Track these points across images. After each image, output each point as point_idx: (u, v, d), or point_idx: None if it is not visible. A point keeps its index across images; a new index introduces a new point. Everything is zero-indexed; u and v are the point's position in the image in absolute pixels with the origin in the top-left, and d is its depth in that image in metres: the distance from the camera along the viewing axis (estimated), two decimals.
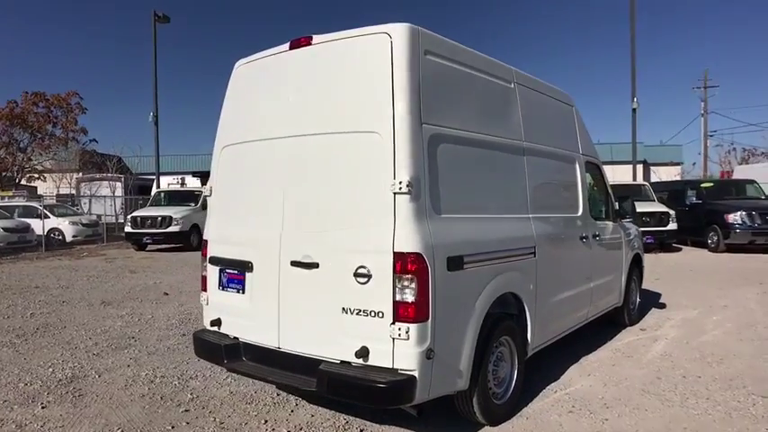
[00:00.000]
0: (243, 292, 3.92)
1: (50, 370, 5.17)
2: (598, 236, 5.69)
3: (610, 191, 6.31)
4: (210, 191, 4.28)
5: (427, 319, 3.18)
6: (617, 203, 6.39)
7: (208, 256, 4.21)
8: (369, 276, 3.25)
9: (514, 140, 4.32)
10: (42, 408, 4.25)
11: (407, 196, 3.17)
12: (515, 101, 4.41)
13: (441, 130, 3.46)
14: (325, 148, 3.54)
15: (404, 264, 3.14)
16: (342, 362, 3.36)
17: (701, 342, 6.01)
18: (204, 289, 4.26)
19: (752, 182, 16.78)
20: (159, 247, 17.71)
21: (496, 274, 3.82)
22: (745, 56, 71.86)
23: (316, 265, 3.48)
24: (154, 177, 25.21)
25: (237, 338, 3.97)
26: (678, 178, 32.97)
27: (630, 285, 6.75)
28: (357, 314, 3.28)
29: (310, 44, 3.70)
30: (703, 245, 15.46)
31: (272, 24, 78.68)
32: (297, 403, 4.27)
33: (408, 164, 3.18)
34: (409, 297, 3.14)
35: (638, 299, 7.16)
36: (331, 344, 3.40)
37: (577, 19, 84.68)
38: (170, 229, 16.92)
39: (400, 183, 3.15)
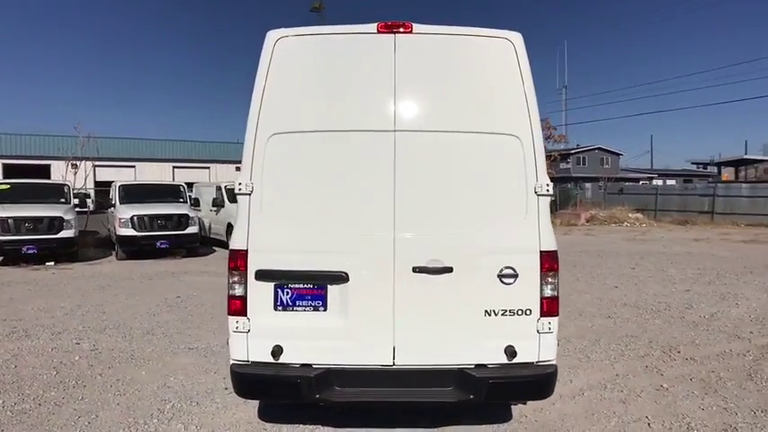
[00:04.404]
0: (324, 309, 3.37)
1: None
2: None
3: None
4: (252, 188, 3.41)
5: (559, 311, 3.44)
6: None
7: (250, 271, 3.37)
8: (515, 276, 3.33)
9: None
10: None
11: (549, 198, 3.40)
12: None
13: None
14: (452, 146, 3.41)
15: (548, 261, 3.36)
16: (477, 365, 3.33)
17: None
18: (240, 313, 3.38)
19: None
20: None
21: None
22: None
23: (449, 270, 3.32)
24: None
25: (311, 365, 3.35)
26: None
27: None
28: (502, 315, 3.33)
29: (411, 32, 3.43)
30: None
31: None
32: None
33: (544, 167, 3.41)
34: (551, 292, 3.37)
35: None
36: (468, 349, 3.34)
37: None
38: (62, 234, 12.60)
39: (547, 185, 3.37)
